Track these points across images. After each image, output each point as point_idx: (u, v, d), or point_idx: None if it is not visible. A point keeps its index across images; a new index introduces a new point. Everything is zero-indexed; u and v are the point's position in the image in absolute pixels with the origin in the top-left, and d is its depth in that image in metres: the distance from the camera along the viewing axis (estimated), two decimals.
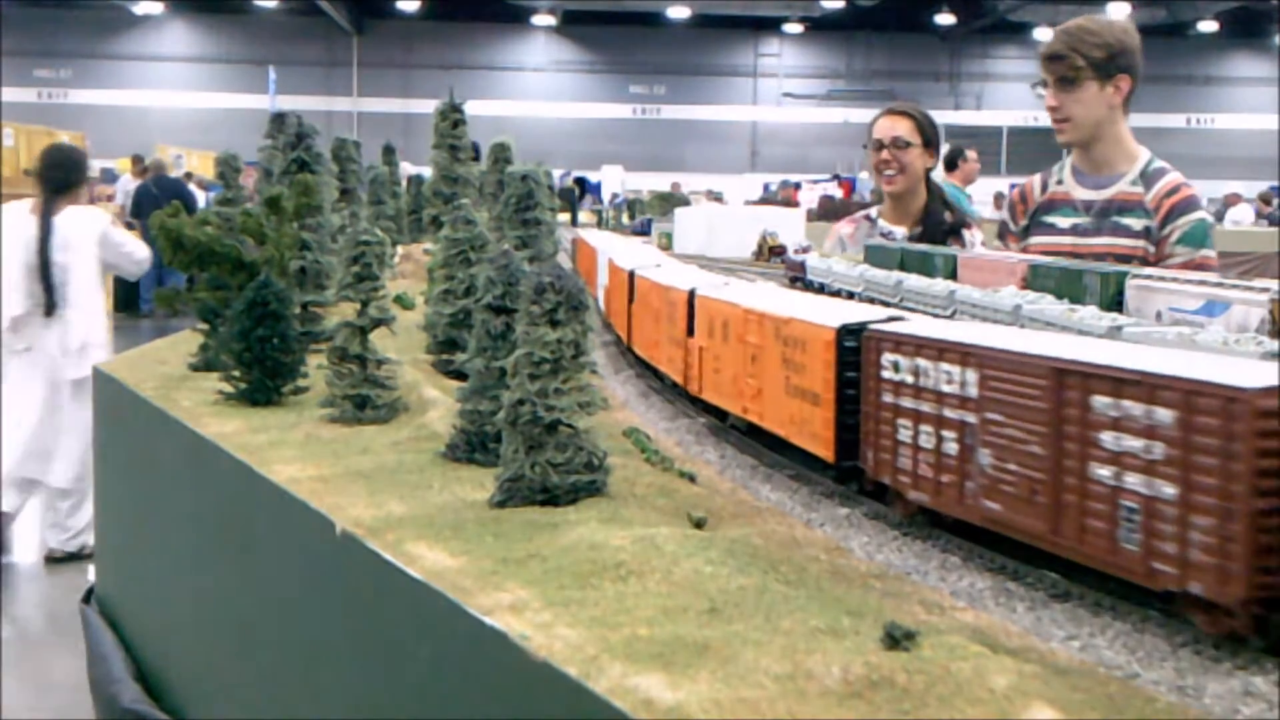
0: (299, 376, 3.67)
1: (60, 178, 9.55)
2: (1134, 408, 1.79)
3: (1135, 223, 5.71)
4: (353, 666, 2.41)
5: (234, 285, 4.16)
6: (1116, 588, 1.91)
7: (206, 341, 4.22)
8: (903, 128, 7.07)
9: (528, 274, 2.56)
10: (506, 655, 1.78)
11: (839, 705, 1.56)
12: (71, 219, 9.47)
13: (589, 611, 1.88)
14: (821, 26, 49.94)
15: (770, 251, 7.09)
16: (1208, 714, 1.59)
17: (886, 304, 3.81)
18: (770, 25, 50.64)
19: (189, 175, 28.21)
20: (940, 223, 7.04)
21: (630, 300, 4.43)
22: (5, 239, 9.33)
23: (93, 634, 4.13)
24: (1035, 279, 3.64)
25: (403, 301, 4.83)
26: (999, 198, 20.06)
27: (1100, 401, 1.85)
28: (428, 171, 6.83)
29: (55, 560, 9.58)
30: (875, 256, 4.86)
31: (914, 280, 3.87)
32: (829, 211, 20.00)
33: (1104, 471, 1.84)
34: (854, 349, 2.50)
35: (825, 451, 2.59)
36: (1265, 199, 31.07)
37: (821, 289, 4.61)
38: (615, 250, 5.42)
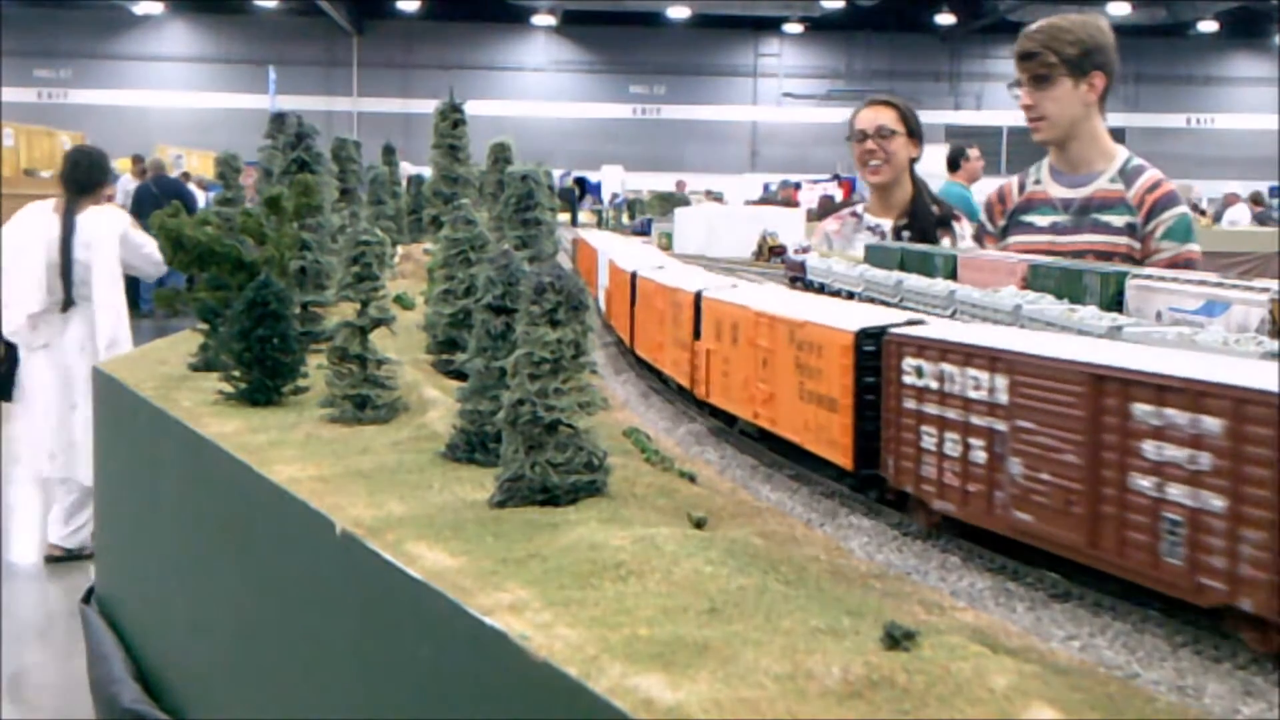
0: (299, 376, 3.67)
1: (83, 178, 9.77)
2: (1178, 416, 1.72)
3: (1116, 219, 5.70)
4: (353, 666, 2.41)
5: (234, 285, 4.16)
6: (1116, 588, 1.90)
7: (206, 341, 4.22)
8: (886, 117, 7.06)
9: (528, 274, 2.56)
10: (506, 655, 1.78)
11: (839, 705, 1.56)
12: (93, 218, 9.67)
13: (589, 611, 1.88)
14: (821, 26, 49.93)
15: (770, 251, 7.09)
16: (1208, 714, 1.59)
17: (887, 304, 3.81)
18: (770, 25, 50.63)
19: (186, 176, 28.17)
20: (928, 214, 7.02)
21: (632, 302, 4.38)
22: (29, 238, 9.55)
23: (93, 634, 4.13)
24: (1035, 279, 3.64)
25: (403, 301, 4.83)
26: None
27: (1141, 409, 1.78)
28: (428, 171, 6.83)
29: (55, 559, 9.58)
30: (875, 256, 4.86)
31: (914, 280, 3.86)
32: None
33: (1145, 482, 1.77)
34: (873, 353, 2.43)
35: (843, 459, 2.51)
36: (1256, 199, 31.13)
37: (821, 289, 4.60)
38: (616, 251, 5.40)
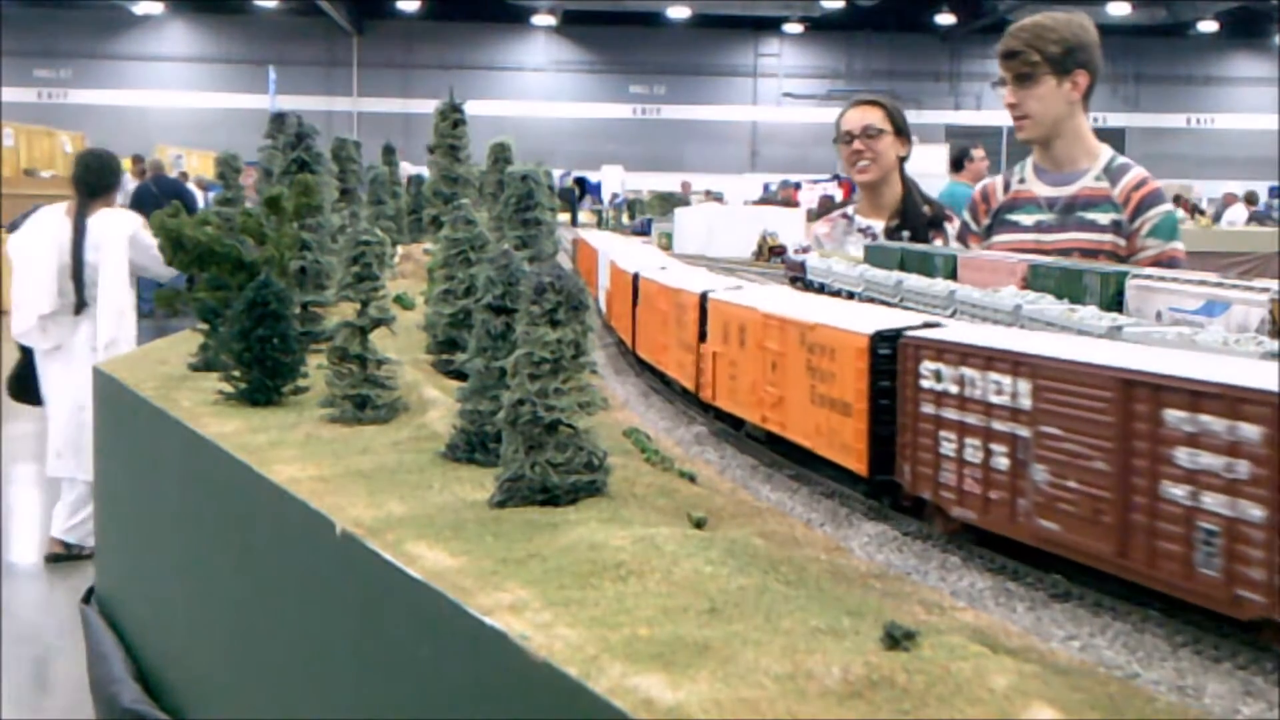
0: (299, 376, 3.67)
1: (94, 181, 9.87)
2: (1214, 423, 1.66)
3: (1102, 217, 5.70)
4: (353, 666, 2.41)
5: (234, 285, 4.16)
6: (1116, 588, 1.90)
7: (206, 341, 4.22)
8: (873, 116, 7.05)
9: (528, 274, 2.56)
10: (506, 655, 1.78)
11: (839, 705, 1.56)
12: (104, 220, 9.76)
13: (589, 611, 1.88)
14: (821, 26, 49.95)
15: (770, 251, 7.09)
16: (1208, 714, 1.59)
17: (887, 304, 3.81)
18: (770, 25, 50.64)
19: (184, 176, 28.17)
20: (919, 214, 7.01)
21: (635, 303, 4.33)
22: (41, 241, 9.65)
23: (93, 634, 4.13)
24: (1035, 279, 3.64)
25: (403, 301, 4.83)
26: None
27: (1174, 415, 1.72)
28: (427, 171, 6.83)
29: (56, 557, 9.58)
30: (875, 256, 4.86)
31: (914, 280, 3.86)
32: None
33: (1178, 491, 1.71)
34: (888, 356, 2.37)
35: (857, 464, 2.45)
36: (1249, 198, 31.21)
37: (821, 289, 4.60)
38: (617, 251, 5.37)
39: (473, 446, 2.81)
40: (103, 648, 3.96)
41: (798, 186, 32.02)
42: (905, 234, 6.57)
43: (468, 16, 48.76)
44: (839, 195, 26.49)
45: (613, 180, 29.01)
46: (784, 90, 51.49)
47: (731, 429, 3.21)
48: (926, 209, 7.13)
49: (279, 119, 5.49)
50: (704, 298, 3.36)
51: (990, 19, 46.06)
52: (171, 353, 4.59)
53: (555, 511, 2.39)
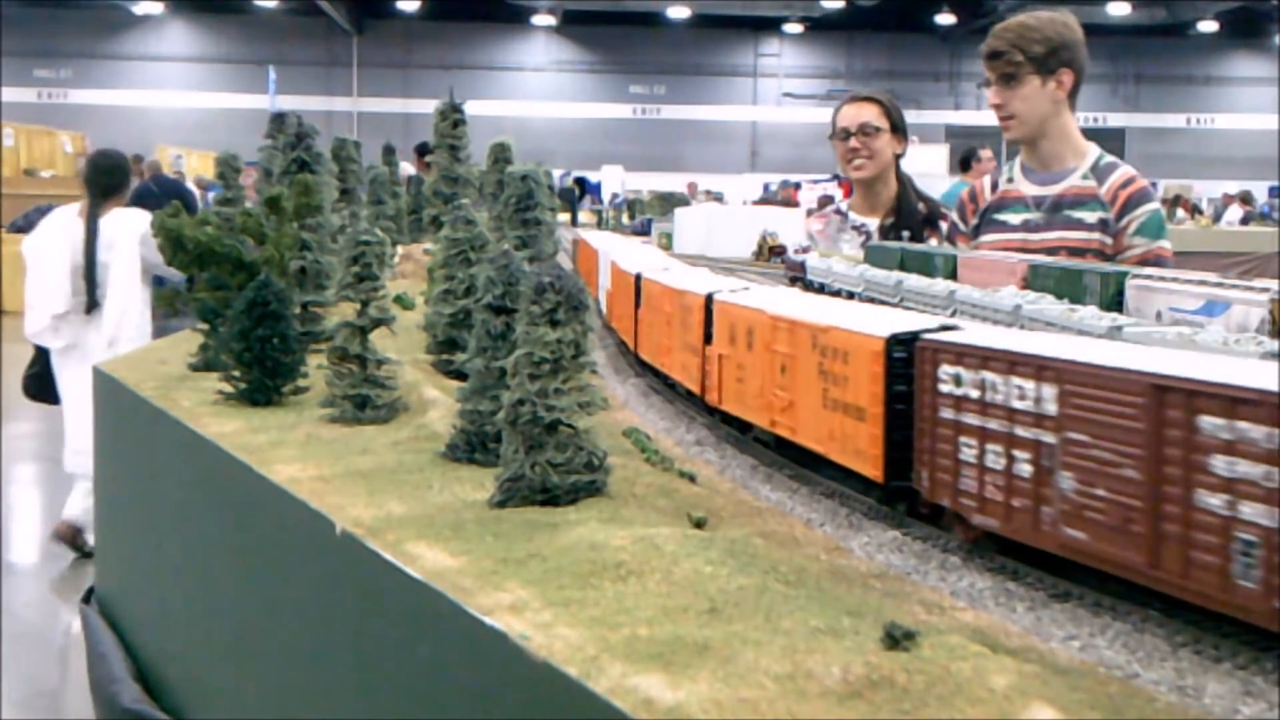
0: (299, 376, 3.67)
1: (106, 182, 9.97)
2: (1252, 430, 1.60)
3: (1089, 216, 5.71)
4: (353, 666, 2.41)
5: (234, 285, 4.16)
6: (1115, 587, 1.90)
7: (206, 341, 4.22)
8: (869, 113, 7.03)
9: (528, 274, 2.56)
10: (506, 655, 1.78)
11: (839, 705, 1.56)
12: (116, 220, 9.83)
13: (589, 611, 1.88)
14: (821, 26, 49.96)
15: (770, 251, 7.08)
16: (1208, 714, 1.59)
17: (886, 304, 3.81)
18: (770, 25, 50.67)
19: (179, 175, 28.13)
20: (914, 212, 7.00)
21: (637, 305, 4.28)
22: (54, 241, 9.74)
23: (93, 634, 4.13)
24: (1035, 279, 3.64)
25: (403, 301, 4.83)
26: None
27: (1209, 422, 1.67)
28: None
29: (60, 537, 9.58)
30: (875, 256, 4.86)
31: (914, 280, 3.86)
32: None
33: (1214, 500, 1.66)
34: (905, 360, 2.31)
35: (872, 470, 2.39)
36: (1244, 199, 31.29)
37: (821, 289, 4.60)
38: (617, 252, 5.35)
39: (473, 446, 2.81)
40: (103, 648, 3.96)
41: (798, 186, 32.02)
42: (905, 233, 6.57)
43: (468, 16, 48.78)
44: (839, 195, 26.51)
45: (613, 180, 29.03)
46: (784, 90, 51.51)
47: (739, 433, 3.16)
48: (922, 206, 7.12)
49: (279, 119, 5.49)
50: (709, 299, 3.31)
51: (991, 19, 46.06)
52: (171, 353, 4.59)
53: (555, 511, 2.39)
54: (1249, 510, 1.61)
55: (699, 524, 2.36)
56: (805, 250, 5.50)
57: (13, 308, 17.55)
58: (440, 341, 3.84)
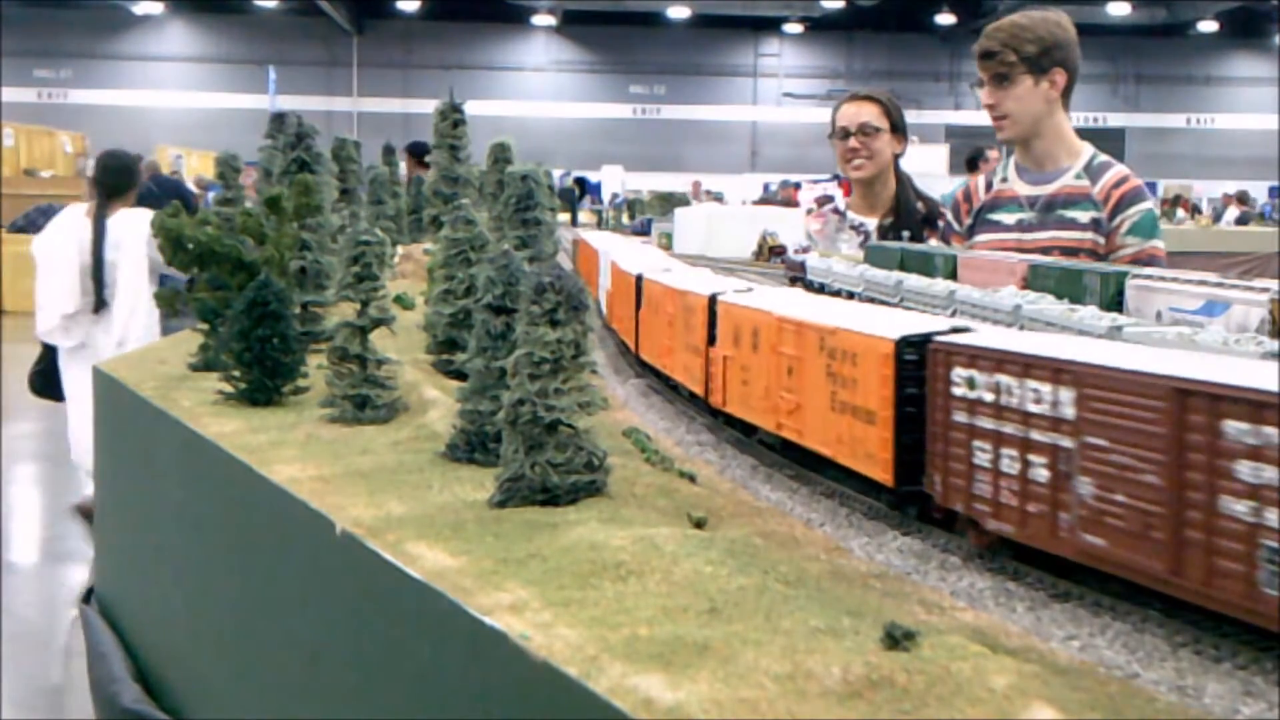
0: (299, 376, 3.67)
1: (114, 182, 9.99)
2: (1278, 435, 1.58)
3: (1082, 215, 5.70)
4: (353, 666, 2.41)
5: (234, 285, 4.16)
6: (1115, 587, 1.90)
7: (206, 341, 4.22)
8: (869, 113, 7.02)
9: (528, 274, 2.56)
10: (506, 655, 1.78)
11: (839, 705, 1.56)
12: (123, 220, 9.84)
13: (589, 611, 1.88)
14: (821, 26, 49.97)
15: (770, 251, 7.08)
16: (1208, 714, 1.59)
17: (886, 304, 3.81)
18: (770, 25, 50.67)
19: (175, 175, 28.11)
20: (913, 212, 6.99)
21: (637, 305, 4.25)
22: (63, 241, 9.76)
23: (93, 634, 4.13)
24: (1035, 279, 3.64)
25: (403, 301, 4.83)
26: None
27: (1234, 427, 1.64)
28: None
29: (83, 512, 9.59)
30: (875, 256, 4.86)
31: (914, 280, 3.87)
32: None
33: (1239, 506, 1.63)
34: (916, 362, 2.28)
35: (882, 474, 2.35)
36: (1241, 199, 31.31)
37: (821, 289, 4.60)
38: (618, 252, 5.33)
39: (473, 446, 2.81)
40: (103, 648, 3.95)
41: (798, 186, 31.96)
42: (905, 233, 6.58)
43: (468, 16, 48.78)
44: (839, 195, 26.50)
45: (613, 180, 29.03)
46: (784, 90, 51.50)
47: (743, 435, 3.13)
48: (921, 206, 7.11)
49: (279, 119, 5.49)
50: (713, 300, 3.28)
51: (990, 19, 46.07)
52: (171, 353, 4.59)
53: (555, 511, 2.39)
54: (1275, 517, 1.59)
55: (699, 524, 2.36)
56: (805, 250, 5.50)
57: (13, 308, 17.57)
58: (440, 341, 3.84)
